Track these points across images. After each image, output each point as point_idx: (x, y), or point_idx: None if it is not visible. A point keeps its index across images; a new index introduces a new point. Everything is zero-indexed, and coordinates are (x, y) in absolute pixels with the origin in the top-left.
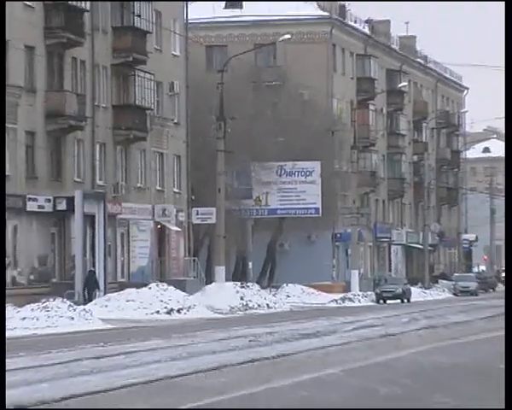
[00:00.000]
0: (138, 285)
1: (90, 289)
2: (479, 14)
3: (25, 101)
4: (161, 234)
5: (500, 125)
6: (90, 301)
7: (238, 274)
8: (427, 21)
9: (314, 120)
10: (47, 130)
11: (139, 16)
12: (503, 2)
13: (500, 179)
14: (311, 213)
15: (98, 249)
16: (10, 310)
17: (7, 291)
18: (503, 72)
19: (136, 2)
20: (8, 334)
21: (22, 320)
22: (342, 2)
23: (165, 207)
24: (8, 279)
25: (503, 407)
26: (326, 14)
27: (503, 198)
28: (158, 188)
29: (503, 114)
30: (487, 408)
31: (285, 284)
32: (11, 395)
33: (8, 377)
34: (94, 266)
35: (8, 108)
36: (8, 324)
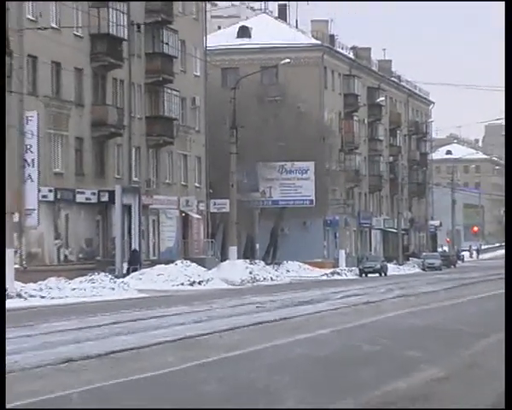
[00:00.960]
0: (166, 262)
1: (134, 264)
2: (442, 41)
3: (75, 113)
4: (185, 221)
5: (460, 132)
6: (128, 274)
7: (247, 253)
8: (401, 48)
9: (309, 128)
10: (92, 136)
11: (167, 44)
12: (467, 28)
13: (459, 176)
14: (306, 204)
15: (134, 233)
16: (63, 282)
17: (60, 267)
18: (464, 88)
19: (164, 33)
20: (60, 301)
21: (72, 290)
22: (332, 33)
23: (188, 199)
24: (62, 257)
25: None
26: (318, 42)
27: (462, 191)
28: (182, 183)
29: (462, 123)
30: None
31: (285, 261)
32: (62, 352)
33: (60, 337)
34: (130, 247)
35: (60, 119)
36: (61, 293)
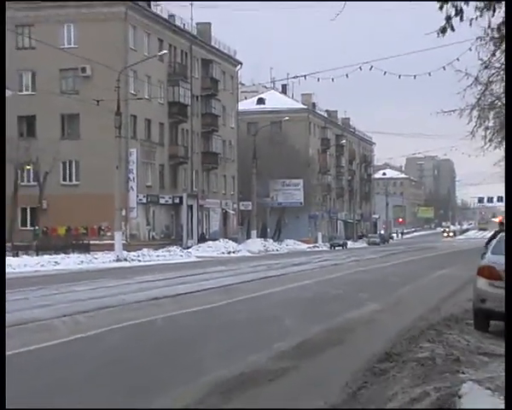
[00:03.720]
0: (213, 240)
1: (202, 241)
2: (380, 106)
3: (159, 150)
4: (225, 215)
5: (390, 161)
6: (191, 246)
7: (262, 234)
8: (356, 110)
9: (300, 159)
10: (169, 164)
11: (214, 108)
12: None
13: (390, 188)
14: (298, 205)
15: (194, 222)
16: (151, 252)
17: (149, 242)
18: (393, 135)
19: (212, 101)
20: (149, 263)
21: (157, 256)
22: (314, 101)
23: (226, 202)
24: (150, 236)
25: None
26: (306, 107)
27: (392, 197)
28: (223, 192)
29: (392, 156)
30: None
31: (285, 239)
32: (151, 293)
33: (149, 284)
34: (192, 233)
35: (150, 153)
36: (150, 258)
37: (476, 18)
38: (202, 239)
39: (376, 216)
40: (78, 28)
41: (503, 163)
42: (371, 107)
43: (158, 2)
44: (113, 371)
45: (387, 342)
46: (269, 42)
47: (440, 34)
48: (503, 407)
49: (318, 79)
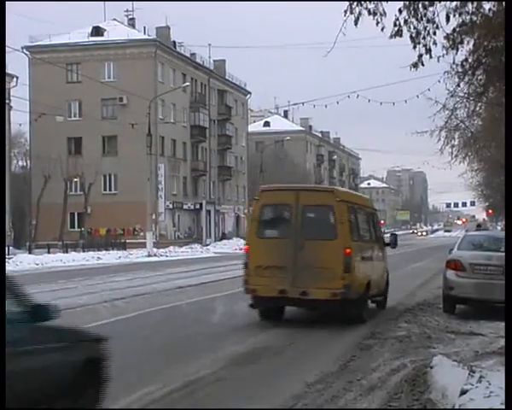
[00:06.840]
0: (228, 239)
1: (222, 239)
2: (365, 127)
3: (183, 164)
4: (237, 218)
5: (374, 173)
6: (209, 244)
7: None
8: (345, 131)
9: (299, 172)
10: (191, 176)
11: (228, 130)
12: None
13: (373, 195)
14: None
15: (212, 224)
16: (176, 248)
17: (175, 241)
18: (377, 152)
19: (227, 124)
20: (175, 258)
21: (181, 252)
22: (310, 124)
23: (239, 207)
24: (176, 236)
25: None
26: (303, 128)
27: (376, 202)
28: (235, 199)
29: (375, 169)
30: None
31: None
32: (176, 283)
33: (175, 275)
34: (210, 233)
35: (175, 167)
36: (175, 254)
37: (443, 55)
38: (223, 237)
39: None
40: (117, 65)
41: (466, 175)
42: (358, 128)
43: (182, 43)
44: (145, 347)
45: (372, 323)
46: (273, 75)
47: (413, 68)
48: (466, 374)
49: (314, 106)
